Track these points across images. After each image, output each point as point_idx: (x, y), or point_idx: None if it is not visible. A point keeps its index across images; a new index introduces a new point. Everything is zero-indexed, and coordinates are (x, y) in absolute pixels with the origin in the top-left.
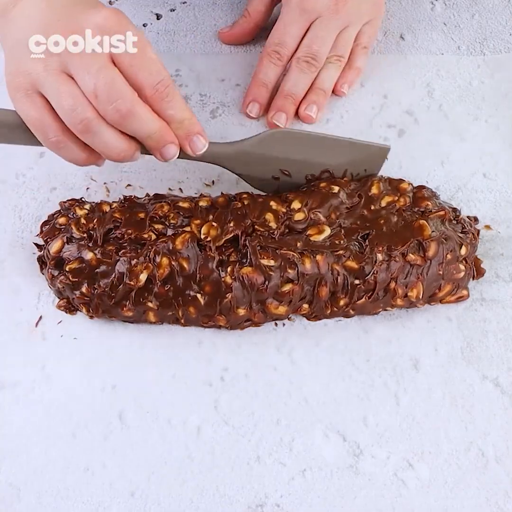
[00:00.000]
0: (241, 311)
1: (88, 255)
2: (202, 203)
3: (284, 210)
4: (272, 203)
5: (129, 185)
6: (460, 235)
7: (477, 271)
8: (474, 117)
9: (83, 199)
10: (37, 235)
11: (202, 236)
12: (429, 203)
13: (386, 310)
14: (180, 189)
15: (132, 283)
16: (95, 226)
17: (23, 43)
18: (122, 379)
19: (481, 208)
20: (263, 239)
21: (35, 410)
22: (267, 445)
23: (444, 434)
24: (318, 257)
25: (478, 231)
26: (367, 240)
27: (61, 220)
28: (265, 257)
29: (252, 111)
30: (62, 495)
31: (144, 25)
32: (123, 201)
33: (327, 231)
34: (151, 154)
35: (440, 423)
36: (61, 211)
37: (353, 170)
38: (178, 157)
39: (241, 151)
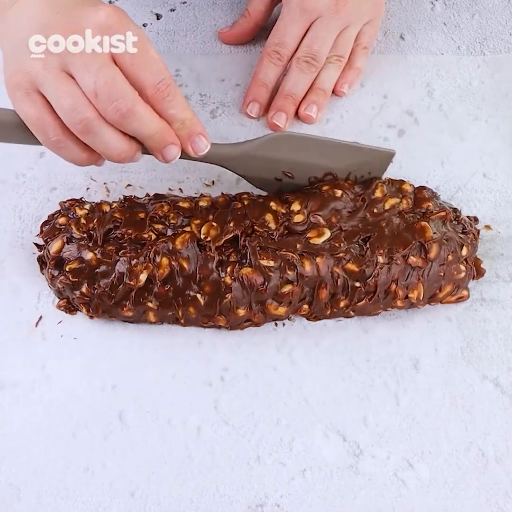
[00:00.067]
0: (241, 312)
1: (88, 255)
2: (202, 203)
3: (283, 211)
4: (272, 203)
5: (129, 185)
6: (461, 235)
7: (477, 271)
8: (474, 117)
9: (83, 199)
10: (37, 235)
11: (202, 236)
12: (430, 204)
13: (387, 310)
14: (180, 189)
15: (132, 283)
16: (95, 226)
17: (22, 42)
18: (122, 379)
19: (481, 208)
20: (262, 240)
21: (35, 410)
22: (267, 445)
23: (444, 434)
24: (318, 259)
25: (478, 231)
26: (368, 243)
27: (61, 220)
28: (265, 258)
29: (252, 111)
30: (62, 495)
31: (144, 25)
32: (123, 201)
33: (327, 234)
34: (152, 155)
35: (440, 423)
36: (61, 211)
37: (357, 173)
38: (179, 158)
39: (244, 153)
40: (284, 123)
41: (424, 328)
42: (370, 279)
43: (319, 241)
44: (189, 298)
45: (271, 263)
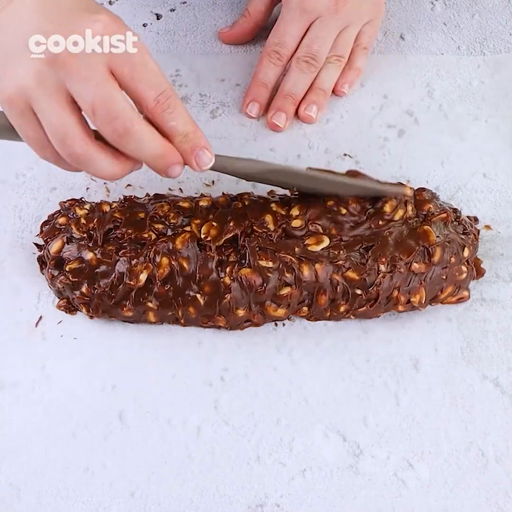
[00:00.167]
0: (240, 312)
1: (88, 255)
2: (203, 203)
3: (283, 212)
4: (272, 204)
5: (129, 185)
6: (462, 236)
7: (477, 271)
8: (474, 117)
9: (83, 199)
10: (37, 235)
11: (202, 236)
12: (430, 205)
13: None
14: (180, 189)
15: (132, 283)
16: (95, 226)
17: (14, 50)
18: (122, 379)
19: (481, 208)
20: (261, 241)
21: (35, 410)
22: (267, 445)
23: (444, 434)
24: (317, 266)
25: (478, 231)
26: (369, 251)
27: (61, 220)
28: (264, 259)
29: (252, 110)
30: (62, 495)
31: (144, 25)
32: (123, 201)
33: (326, 242)
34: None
35: (440, 423)
36: (61, 211)
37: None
38: None
39: (249, 172)
40: (284, 123)
41: (424, 328)
42: (372, 287)
43: (317, 248)
44: (189, 298)
45: (270, 264)
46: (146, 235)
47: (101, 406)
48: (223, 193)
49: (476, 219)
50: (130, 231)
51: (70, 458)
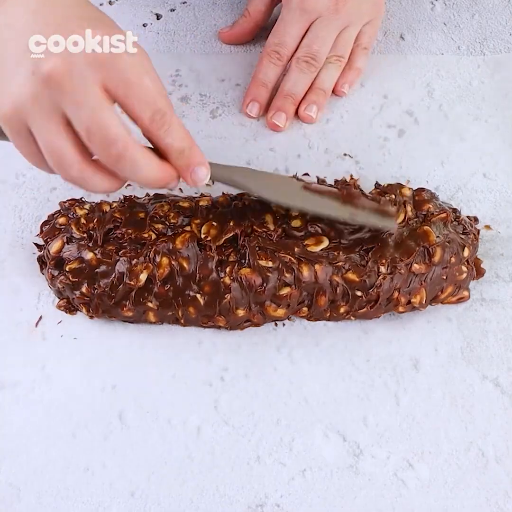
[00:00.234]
0: (240, 312)
1: (88, 255)
2: (203, 203)
3: (283, 212)
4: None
5: (129, 185)
6: (462, 236)
7: (477, 271)
8: (474, 117)
9: (83, 199)
10: (37, 235)
11: (202, 236)
12: (430, 205)
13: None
14: (180, 189)
15: (132, 283)
16: (95, 226)
17: (7, 60)
18: (122, 379)
19: (481, 208)
20: (261, 240)
21: (35, 410)
22: (267, 445)
23: (444, 434)
24: (317, 266)
25: (478, 231)
26: (369, 253)
27: (61, 220)
28: (264, 258)
29: (252, 110)
30: (62, 495)
31: (144, 25)
32: (123, 201)
33: (325, 242)
34: None
35: (440, 423)
36: (61, 211)
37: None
38: None
39: (245, 188)
40: (284, 123)
41: (424, 328)
42: (372, 289)
43: (316, 249)
44: (189, 298)
45: (270, 264)
46: (146, 235)
47: (101, 406)
48: (223, 193)
49: (476, 219)
50: (130, 231)
51: (70, 458)
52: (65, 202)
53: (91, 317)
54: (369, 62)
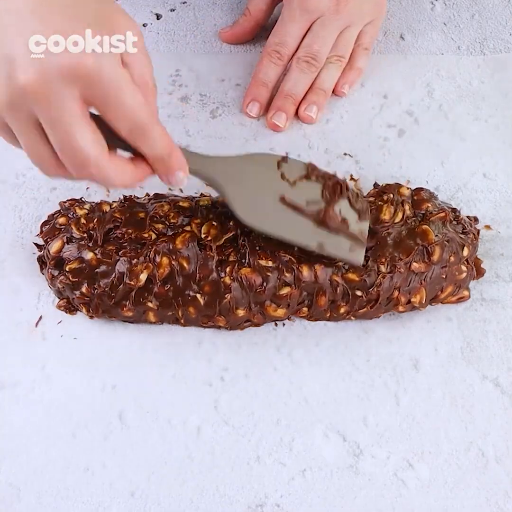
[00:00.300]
0: (240, 312)
1: (88, 255)
2: (203, 203)
3: None
4: None
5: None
6: (461, 236)
7: (477, 271)
8: (474, 117)
9: (83, 199)
10: (37, 235)
11: (203, 235)
12: (429, 205)
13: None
14: (180, 189)
15: (132, 283)
16: (95, 226)
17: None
18: (122, 379)
19: (481, 208)
20: (261, 240)
21: (35, 410)
22: (267, 445)
23: (444, 434)
24: (317, 266)
25: (478, 231)
26: (368, 252)
27: (61, 220)
28: (263, 258)
29: (252, 110)
30: (62, 495)
31: (144, 25)
32: (123, 201)
33: None
34: None
35: (440, 423)
36: (61, 211)
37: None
38: None
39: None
40: (284, 123)
41: (424, 328)
42: (372, 288)
43: None
44: (189, 298)
45: (270, 263)
46: (146, 235)
47: (101, 406)
48: None
49: (476, 219)
50: (130, 231)
51: (70, 458)
52: (65, 202)
53: (91, 317)
54: (369, 62)
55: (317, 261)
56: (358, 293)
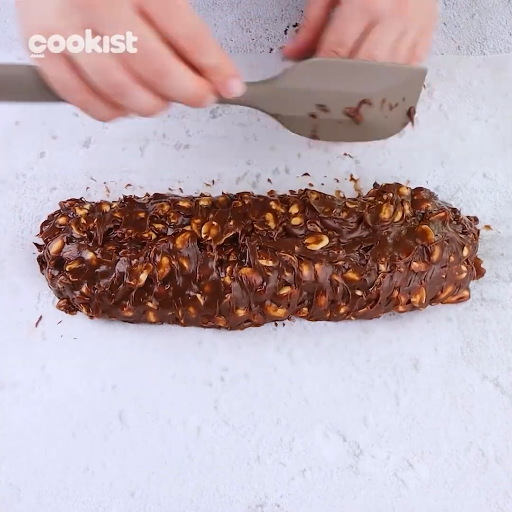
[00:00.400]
0: (240, 312)
1: (88, 255)
2: (203, 203)
3: (283, 211)
4: (272, 203)
5: (129, 185)
6: (461, 236)
7: (477, 271)
8: (474, 117)
9: (83, 199)
10: (37, 235)
11: (203, 235)
12: (428, 204)
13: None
14: (180, 189)
15: (132, 283)
16: (95, 226)
17: None
18: (122, 379)
19: (481, 208)
20: (262, 239)
21: (35, 410)
22: (267, 445)
23: (444, 434)
24: (317, 266)
25: (478, 231)
26: (368, 251)
27: (61, 220)
28: (264, 258)
29: None
30: (62, 495)
31: None
32: (123, 201)
33: (325, 241)
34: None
35: (440, 423)
36: (61, 211)
37: (391, 100)
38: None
39: (277, 88)
40: None
41: (424, 328)
42: (372, 288)
43: (316, 247)
44: (189, 298)
45: (270, 263)
46: (146, 235)
47: (101, 406)
48: (222, 193)
49: (476, 219)
50: (130, 231)
51: (70, 458)
52: (65, 202)
53: (91, 317)
54: None
55: (317, 260)
56: (358, 292)
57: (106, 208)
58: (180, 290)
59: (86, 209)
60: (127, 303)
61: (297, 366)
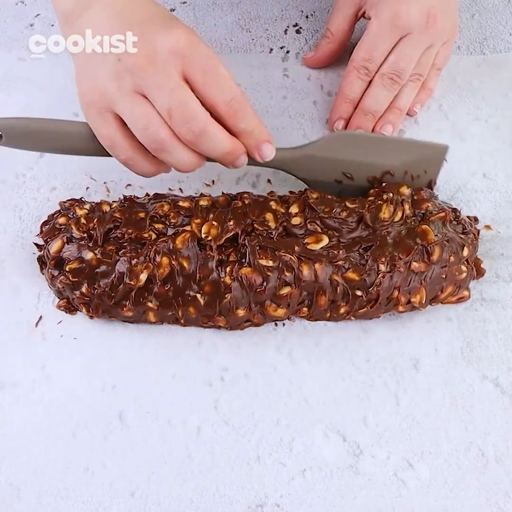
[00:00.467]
0: (240, 312)
1: (88, 255)
2: (203, 203)
3: (283, 211)
4: (272, 203)
5: (129, 185)
6: (462, 236)
7: (477, 271)
8: (474, 117)
9: (83, 199)
10: (37, 235)
11: (203, 235)
12: (429, 204)
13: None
14: (180, 189)
15: (132, 283)
16: (95, 226)
17: (94, 57)
18: (122, 379)
19: (481, 208)
20: (262, 239)
21: (35, 410)
22: (267, 445)
23: (444, 434)
24: (317, 266)
25: (478, 231)
26: (368, 251)
27: (61, 220)
28: (264, 258)
29: (338, 128)
30: (62, 495)
31: None
32: (123, 201)
33: (325, 240)
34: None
35: (440, 423)
36: (61, 211)
37: (413, 172)
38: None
39: (306, 155)
40: None
41: (424, 328)
42: (372, 288)
43: (316, 247)
44: (189, 298)
45: (270, 263)
46: (146, 235)
47: (101, 406)
48: (222, 193)
49: (476, 219)
50: (130, 231)
51: (70, 458)
52: (65, 202)
53: (91, 317)
54: None
55: (317, 260)
56: (358, 293)
57: (106, 208)
58: (180, 290)
59: (86, 209)
60: (127, 303)
61: (297, 366)
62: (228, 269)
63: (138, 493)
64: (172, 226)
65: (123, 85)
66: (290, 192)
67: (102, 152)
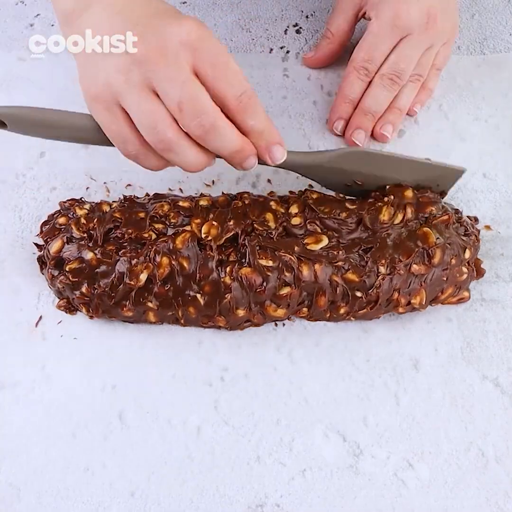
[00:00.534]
0: (240, 312)
1: (88, 255)
2: (203, 203)
3: (283, 211)
4: (272, 203)
5: (129, 185)
6: (463, 238)
7: (477, 272)
8: (474, 117)
9: (83, 199)
10: (37, 235)
11: (203, 235)
12: (432, 208)
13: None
14: (180, 189)
15: (132, 283)
16: (95, 226)
17: (97, 53)
18: (122, 379)
19: (481, 208)
20: (262, 239)
21: (35, 410)
22: (267, 445)
23: (444, 434)
24: (317, 266)
25: (479, 231)
26: (368, 253)
27: (61, 220)
28: (264, 258)
29: (338, 128)
30: (62, 495)
31: None
32: (123, 201)
33: (325, 241)
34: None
35: (440, 423)
36: (61, 211)
37: (425, 185)
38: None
39: (318, 163)
40: (363, 140)
41: (424, 328)
42: (371, 289)
43: (316, 247)
44: (189, 298)
45: (270, 263)
46: (146, 235)
47: (101, 406)
48: (222, 193)
49: (476, 219)
50: (130, 231)
51: (70, 458)
52: (65, 202)
53: (91, 317)
54: None
55: (317, 260)
56: (358, 294)
57: (106, 208)
58: (180, 290)
59: (86, 209)
60: (127, 303)
61: (297, 366)
62: (228, 269)
63: (138, 493)
64: (172, 226)
65: (131, 78)
66: (290, 192)
67: (107, 143)
